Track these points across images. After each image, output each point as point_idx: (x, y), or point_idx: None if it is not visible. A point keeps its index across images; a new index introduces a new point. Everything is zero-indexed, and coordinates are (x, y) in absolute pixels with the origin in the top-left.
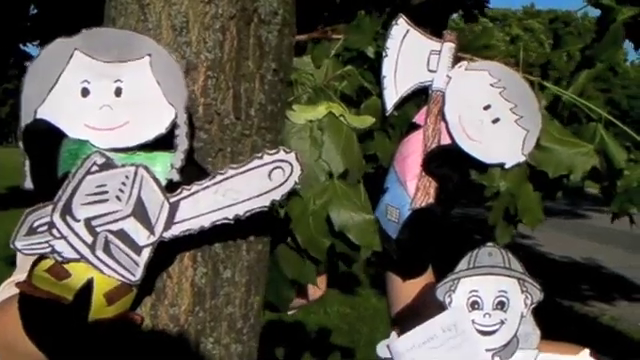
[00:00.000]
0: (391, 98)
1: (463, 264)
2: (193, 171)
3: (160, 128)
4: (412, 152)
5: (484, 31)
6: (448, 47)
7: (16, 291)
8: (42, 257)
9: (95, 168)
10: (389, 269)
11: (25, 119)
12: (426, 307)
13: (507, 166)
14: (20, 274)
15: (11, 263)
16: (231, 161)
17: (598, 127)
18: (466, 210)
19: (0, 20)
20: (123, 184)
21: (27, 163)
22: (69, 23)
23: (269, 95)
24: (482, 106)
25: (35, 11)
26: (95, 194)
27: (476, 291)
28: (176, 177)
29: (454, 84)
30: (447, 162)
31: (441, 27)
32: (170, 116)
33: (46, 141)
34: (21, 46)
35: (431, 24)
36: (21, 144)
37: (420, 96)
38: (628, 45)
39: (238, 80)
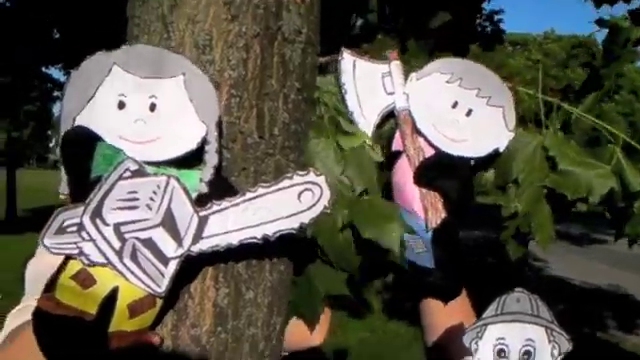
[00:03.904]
0: (368, 130)
1: (491, 310)
2: (223, 186)
3: (190, 145)
4: (406, 180)
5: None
6: (395, 65)
7: (25, 319)
8: (62, 270)
9: (128, 174)
10: (429, 296)
11: (64, 126)
12: (458, 349)
13: (501, 150)
14: (29, 301)
15: None
16: (254, 180)
17: (615, 150)
18: (483, 233)
19: (24, 44)
20: (154, 193)
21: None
22: (91, 46)
23: (293, 114)
24: (449, 105)
25: (58, 35)
26: (126, 200)
27: (503, 339)
28: (204, 189)
29: (414, 98)
30: (440, 171)
31: (462, 55)
32: (201, 133)
33: (83, 145)
34: (44, 69)
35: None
36: (58, 150)
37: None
38: None
39: (262, 99)
